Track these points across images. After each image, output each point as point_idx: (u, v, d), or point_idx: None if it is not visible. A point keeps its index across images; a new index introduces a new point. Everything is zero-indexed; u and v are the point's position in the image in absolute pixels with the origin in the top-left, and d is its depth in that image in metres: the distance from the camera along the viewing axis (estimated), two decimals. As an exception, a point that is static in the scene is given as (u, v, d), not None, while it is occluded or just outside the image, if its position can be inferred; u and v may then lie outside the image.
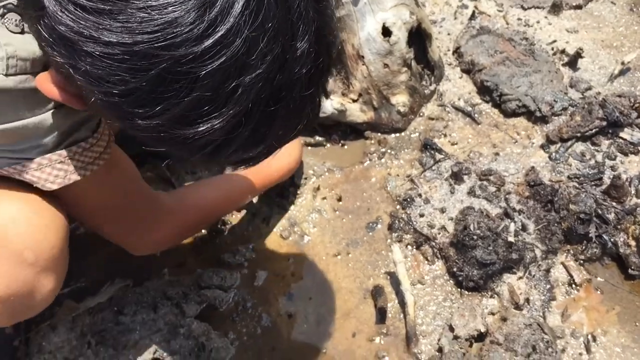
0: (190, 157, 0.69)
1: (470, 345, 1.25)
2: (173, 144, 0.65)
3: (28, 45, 0.76)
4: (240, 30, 0.57)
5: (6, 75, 0.75)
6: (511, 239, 1.30)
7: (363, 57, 1.52)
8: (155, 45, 0.56)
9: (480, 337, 1.26)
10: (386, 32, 1.51)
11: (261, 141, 0.67)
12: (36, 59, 0.77)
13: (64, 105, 0.78)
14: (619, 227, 1.34)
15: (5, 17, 0.76)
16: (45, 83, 0.71)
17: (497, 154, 1.53)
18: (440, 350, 1.24)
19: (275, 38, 0.59)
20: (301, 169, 1.55)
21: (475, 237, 1.30)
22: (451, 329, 1.25)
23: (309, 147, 1.61)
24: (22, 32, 0.76)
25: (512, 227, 1.32)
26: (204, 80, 0.58)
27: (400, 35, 1.51)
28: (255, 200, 1.50)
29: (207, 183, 1.38)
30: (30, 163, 0.84)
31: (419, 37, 1.60)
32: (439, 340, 1.25)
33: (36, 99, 0.78)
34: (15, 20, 0.76)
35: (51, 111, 0.82)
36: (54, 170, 0.85)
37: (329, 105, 1.54)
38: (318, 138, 1.61)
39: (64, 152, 0.85)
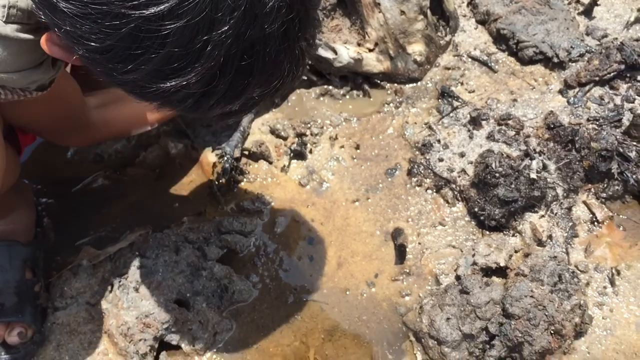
0: (174, 109, 0.74)
1: (487, 276, 1.25)
2: (153, 97, 0.70)
3: None
4: None
5: (5, 22, 0.77)
6: (533, 175, 1.30)
7: (379, 4, 1.51)
8: (126, 4, 0.60)
9: (498, 271, 1.25)
10: (402, -22, 1.50)
11: (240, 94, 0.70)
12: (32, 12, 0.78)
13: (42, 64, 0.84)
14: (640, 165, 1.33)
15: None
16: (45, 41, 0.75)
17: (515, 100, 1.52)
18: (458, 278, 1.24)
19: None
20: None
21: (497, 174, 1.29)
22: (472, 255, 1.25)
23: (322, 98, 1.60)
24: None
25: (534, 164, 1.32)
26: (173, 37, 0.62)
27: (416, -19, 1.50)
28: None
29: (123, 104, 1.35)
30: None
31: (433, -13, 1.59)
32: (456, 268, 1.26)
33: (30, 48, 0.81)
34: None
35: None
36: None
37: (345, 55, 1.53)
38: (333, 89, 1.60)
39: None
